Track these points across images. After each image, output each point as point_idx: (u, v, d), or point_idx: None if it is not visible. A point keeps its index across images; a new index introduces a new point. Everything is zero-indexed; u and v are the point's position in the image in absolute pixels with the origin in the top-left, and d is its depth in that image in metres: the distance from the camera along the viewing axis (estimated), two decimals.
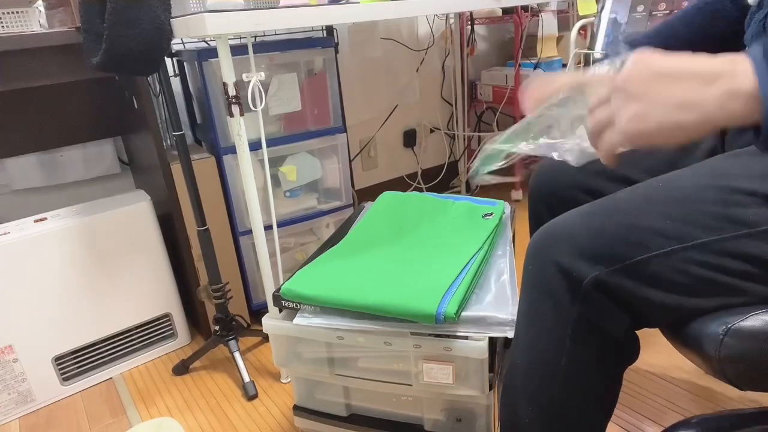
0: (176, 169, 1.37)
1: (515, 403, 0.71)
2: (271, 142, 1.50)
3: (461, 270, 0.91)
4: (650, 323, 0.65)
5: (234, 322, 1.43)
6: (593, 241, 0.63)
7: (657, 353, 1.32)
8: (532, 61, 2.24)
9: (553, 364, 0.66)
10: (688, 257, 0.60)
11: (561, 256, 0.64)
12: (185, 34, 1.08)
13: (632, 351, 0.68)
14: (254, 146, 1.23)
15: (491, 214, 1.11)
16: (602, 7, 1.61)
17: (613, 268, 0.61)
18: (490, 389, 0.88)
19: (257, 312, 1.67)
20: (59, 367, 1.40)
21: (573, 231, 0.65)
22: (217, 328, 1.43)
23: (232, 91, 1.11)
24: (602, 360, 0.66)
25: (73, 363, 1.42)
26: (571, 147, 0.65)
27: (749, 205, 0.59)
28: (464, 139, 2.51)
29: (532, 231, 1.01)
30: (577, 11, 1.85)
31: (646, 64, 0.51)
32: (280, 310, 0.96)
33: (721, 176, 0.63)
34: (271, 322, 0.96)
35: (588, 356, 0.65)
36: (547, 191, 0.94)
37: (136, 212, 1.42)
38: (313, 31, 1.91)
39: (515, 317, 0.81)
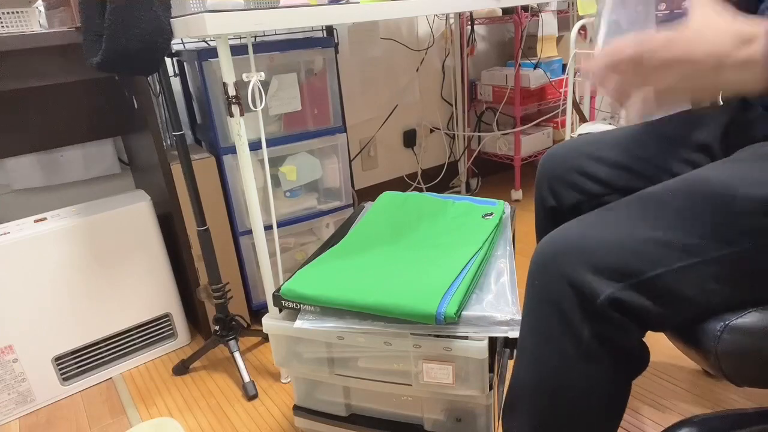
0: (176, 169, 1.37)
1: (522, 422, 0.70)
2: (271, 142, 1.50)
3: (461, 270, 0.91)
4: (656, 330, 0.64)
5: (234, 322, 1.43)
6: (605, 255, 0.60)
7: (657, 353, 1.32)
8: (532, 61, 2.24)
9: (564, 384, 0.64)
10: (704, 272, 0.59)
11: (571, 271, 0.61)
12: (185, 34, 1.08)
13: (643, 360, 0.66)
14: (254, 146, 1.23)
15: (491, 214, 1.11)
16: (602, 7, 1.61)
17: (627, 283, 0.59)
18: (490, 389, 0.88)
19: (257, 312, 1.67)
20: (59, 367, 1.40)
21: (583, 244, 0.62)
22: (217, 328, 1.43)
23: (232, 91, 1.11)
24: (614, 375, 0.64)
25: (73, 363, 1.42)
26: None
27: (757, 213, 0.58)
28: (464, 139, 2.51)
29: (537, 216, 1.01)
30: (577, 11, 1.85)
31: (650, 51, 0.54)
32: (280, 310, 0.96)
33: (726, 185, 0.62)
34: (271, 322, 0.96)
35: (600, 373, 0.63)
36: (550, 175, 0.95)
37: (136, 212, 1.42)
38: (313, 31, 1.91)
39: (515, 317, 0.81)
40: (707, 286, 0.59)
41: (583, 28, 2.00)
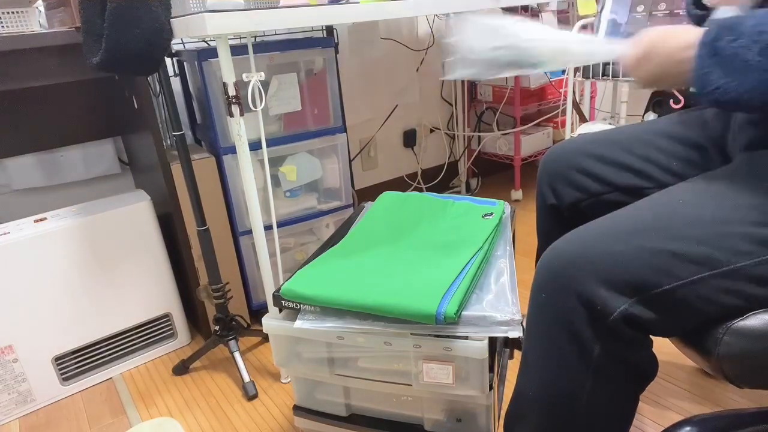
0: (176, 169, 1.37)
1: None
2: (271, 142, 1.50)
3: (461, 270, 0.91)
4: (660, 336, 0.63)
5: (234, 322, 1.43)
6: (616, 267, 0.59)
7: (657, 353, 1.32)
8: None
9: (574, 402, 0.63)
10: (717, 285, 0.58)
11: (582, 285, 0.59)
12: (185, 34, 1.07)
13: (652, 369, 0.65)
14: (254, 146, 1.23)
15: (491, 214, 1.11)
16: (602, 7, 1.61)
17: (640, 297, 0.58)
18: (490, 389, 0.88)
19: (257, 312, 1.67)
20: (59, 367, 1.40)
21: (592, 256, 0.60)
22: (217, 328, 1.43)
23: (232, 91, 1.11)
24: (625, 389, 0.64)
25: (73, 363, 1.42)
26: None
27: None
28: (464, 139, 2.51)
29: (538, 214, 1.01)
30: (577, 11, 1.85)
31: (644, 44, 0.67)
32: (280, 310, 0.96)
33: (743, 193, 0.61)
34: (271, 322, 0.96)
35: (611, 389, 0.63)
36: (550, 173, 0.96)
37: (136, 212, 1.42)
38: (313, 31, 1.91)
39: (515, 317, 0.81)
40: (718, 297, 0.58)
41: (583, 28, 2.00)
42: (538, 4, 2.18)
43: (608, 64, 1.71)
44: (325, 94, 1.60)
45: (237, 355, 1.39)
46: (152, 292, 1.49)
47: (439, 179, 2.56)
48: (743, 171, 0.66)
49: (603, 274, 0.59)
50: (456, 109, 2.47)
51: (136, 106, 1.35)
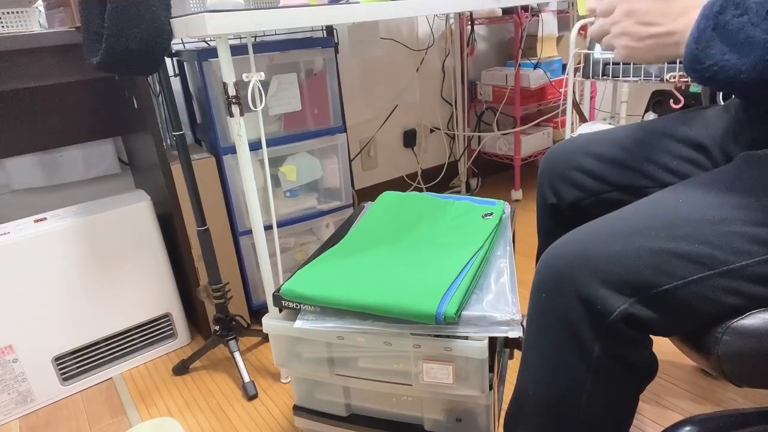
0: (176, 169, 1.37)
1: None
2: (271, 142, 1.50)
3: (461, 270, 0.91)
4: (661, 335, 0.63)
5: (234, 322, 1.43)
6: (616, 267, 0.59)
7: (657, 352, 1.32)
8: (532, 61, 2.24)
9: (573, 402, 0.63)
10: (717, 284, 0.58)
11: (581, 284, 0.59)
12: (185, 34, 1.08)
13: (652, 369, 0.65)
14: (254, 146, 1.23)
15: (491, 214, 1.11)
16: None
17: (639, 297, 0.58)
18: (490, 389, 0.88)
19: (257, 312, 1.67)
20: (59, 367, 1.40)
21: (592, 256, 0.60)
22: (217, 328, 1.43)
23: (232, 91, 1.11)
24: (624, 389, 0.64)
25: (73, 363, 1.42)
26: None
27: None
28: (464, 139, 2.51)
29: (538, 213, 1.01)
30: (577, 11, 1.85)
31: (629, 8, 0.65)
32: (280, 310, 0.96)
33: (744, 192, 0.61)
34: (271, 322, 0.96)
35: (611, 389, 0.63)
36: (550, 173, 0.96)
37: (136, 212, 1.42)
38: (313, 31, 1.91)
39: (515, 317, 0.81)
40: (718, 297, 0.58)
41: (583, 28, 2.00)
42: (538, 4, 2.19)
43: (608, 63, 1.71)
44: (325, 94, 1.60)
45: (237, 355, 1.39)
46: (152, 292, 1.49)
47: (439, 179, 2.56)
48: (744, 170, 0.66)
49: (603, 274, 0.59)
50: (456, 109, 2.47)
51: (136, 106, 1.35)
